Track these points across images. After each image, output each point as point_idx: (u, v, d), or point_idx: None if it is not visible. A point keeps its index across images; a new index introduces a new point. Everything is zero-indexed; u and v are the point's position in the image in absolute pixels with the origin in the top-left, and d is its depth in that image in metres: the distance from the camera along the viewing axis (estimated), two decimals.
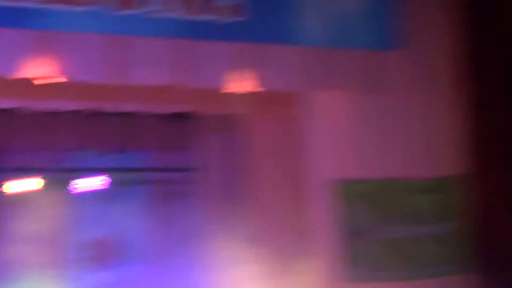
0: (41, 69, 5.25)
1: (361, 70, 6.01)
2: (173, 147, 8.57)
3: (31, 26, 5.17)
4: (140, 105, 6.59)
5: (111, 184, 8.36)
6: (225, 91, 5.83)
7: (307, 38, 5.84)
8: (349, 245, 6.21)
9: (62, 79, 5.40)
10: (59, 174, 8.02)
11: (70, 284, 7.83)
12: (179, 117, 7.49)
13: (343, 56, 5.94)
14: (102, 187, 8.03)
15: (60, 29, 5.29)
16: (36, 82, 5.39)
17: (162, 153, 8.68)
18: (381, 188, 6.33)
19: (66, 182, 8.23)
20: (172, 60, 5.61)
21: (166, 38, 5.58)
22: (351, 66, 5.94)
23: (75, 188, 8.18)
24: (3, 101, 6.22)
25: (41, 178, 7.86)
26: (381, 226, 6.32)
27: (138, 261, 8.40)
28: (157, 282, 8.12)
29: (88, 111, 6.60)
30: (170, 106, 6.72)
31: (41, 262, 8.00)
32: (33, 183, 7.77)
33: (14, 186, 7.75)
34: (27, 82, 5.55)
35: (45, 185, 7.95)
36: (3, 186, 7.87)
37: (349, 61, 5.95)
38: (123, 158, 8.59)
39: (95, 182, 7.98)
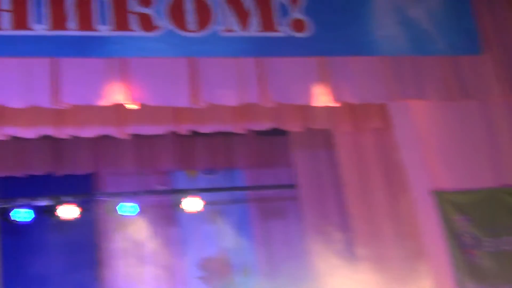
0: (126, 95, 5.41)
1: (446, 76, 5.80)
2: (267, 164, 8.62)
3: (110, 54, 5.34)
4: (231, 125, 6.63)
5: (210, 203, 8.48)
6: (312, 105, 5.78)
7: (385, 47, 5.74)
8: (458, 257, 5.97)
9: (150, 104, 5.54)
10: (158, 196, 8.23)
11: None
12: (271, 134, 7.51)
13: (426, 63, 5.76)
14: (200, 208, 8.11)
15: (142, 55, 5.45)
16: (128, 107, 5.55)
17: (256, 171, 8.76)
18: (483, 198, 6.05)
19: (164, 204, 8.44)
20: (258, 78, 5.63)
21: (245, 57, 5.62)
22: (433, 73, 5.75)
23: (175, 209, 8.36)
24: (97, 129, 6.45)
25: (139, 201, 8.05)
26: (488, 238, 6.03)
27: (244, 277, 8.47)
28: None
29: (182, 133, 6.70)
30: (260, 124, 6.73)
31: (155, 282, 8.23)
32: (133, 207, 7.97)
33: (119, 210, 7.98)
34: (117, 108, 5.75)
35: (144, 207, 8.16)
36: (110, 210, 8.19)
37: (432, 68, 5.76)
38: (220, 178, 8.73)
39: (193, 203, 8.06)
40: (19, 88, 5.24)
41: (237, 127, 6.56)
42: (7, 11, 5.22)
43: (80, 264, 7.90)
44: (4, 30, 5.19)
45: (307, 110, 6.07)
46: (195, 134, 7.05)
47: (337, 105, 5.68)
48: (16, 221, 7.73)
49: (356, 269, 6.71)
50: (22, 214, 7.71)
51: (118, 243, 8.27)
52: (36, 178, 8.19)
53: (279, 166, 8.54)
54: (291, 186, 7.90)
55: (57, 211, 7.76)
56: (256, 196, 8.64)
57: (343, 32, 5.69)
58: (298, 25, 5.68)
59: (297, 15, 5.71)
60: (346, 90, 5.61)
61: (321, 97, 5.61)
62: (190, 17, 5.54)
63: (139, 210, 8.01)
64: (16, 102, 5.36)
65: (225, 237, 8.54)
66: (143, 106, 5.52)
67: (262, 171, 8.75)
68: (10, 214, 7.70)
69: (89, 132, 6.50)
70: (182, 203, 8.05)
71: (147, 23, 5.44)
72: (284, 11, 5.71)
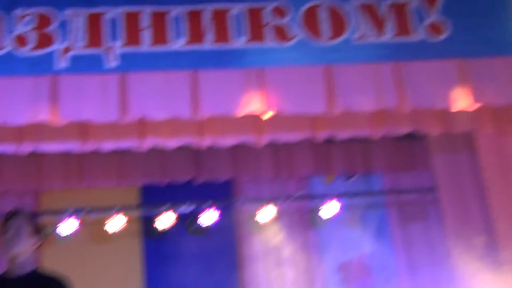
0: (263, 104, 5.48)
1: None
2: (405, 168, 8.47)
3: (247, 64, 5.43)
4: (368, 130, 6.57)
5: (348, 208, 8.44)
6: (449, 109, 5.63)
7: None
8: None
9: (286, 112, 5.59)
10: (295, 201, 8.27)
11: None
12: (409, 138, 7.38)
13: None
14: (337, 212, 8.08)
15: (278, 64, 5.49)
16: (264, 117, 5.64)
17: (394, 175, 8.63)
18: None
19: (302, 209, 8.49)
20: (395, 83, 5.53)
21: (381, 63, 5.55)
22: None
23: (313, 214, 8.39)
24: (235, 137, 6.58)
25: (277, 206, 8.12)
26: None
27: (384, 282, 8.37)
28: None
29: (319, 140, 6.71)
30: (398, 129, 6.62)
31: (294, 285, 8.30)
32: (271, 212, 8.05)
33: (258, 215, 8.09)
34: (255, 117, 5.85)
35: (282, 212, 8.23)
36: (249, 215, 8.33)
37: None
38: (358, 183, 8.68)
39: (331, 208, 8.04)
40: (161, 101, 5.44)
41: (375, 133, 6.48)
42: (148, 28, 5.45)
43: (220, 268, 8.08)
44: (146, 46, 5.43)
45: (446, 114, 5.89)
46: (332, 140, 7.06)
47: (478, 107, 5.48)
48: (159, 228, 8.01)
49: (499, 273, 6.45)
50: (165, 221, 7.98)
51: (257, 247, 8.40)
52: (177, 186, 8.49)
53: (418, 170, 8.37)
54: (431, 190, 7.73)
55: (199, 217, 7.97)
56: (395, 200, 8.51)
57: (483, 33, 5.48)
58: (435, 28, 5.53)
59: (434, 18, 5.57)
60: (488, 92, 5.40)
61: (461, 100, 5.43)
62: (325, 26, 5.54)
63: (277, 215, 8.08)
64: (158, 114, 5.57)
65: (364, 242, 8.47)
66: (280, 114, 5.58)
67: (401, 175, 8.62)
68: (154, 221, 8.00)
69: (227, 141, 6.64)
70: (320, 210, 8.05)
71: (282, 33, 5.49)
72: (420, 15, 5.58)
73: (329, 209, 8.06)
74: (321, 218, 8.13)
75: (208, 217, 7.97)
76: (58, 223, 7.86)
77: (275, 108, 5.48)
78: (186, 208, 8.07)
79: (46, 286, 4.06)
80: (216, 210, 8.00)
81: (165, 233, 8.15)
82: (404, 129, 6.48)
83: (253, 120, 6.06)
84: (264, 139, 6.51)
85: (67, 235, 7.91)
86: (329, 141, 7.66)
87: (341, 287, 8.38)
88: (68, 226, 7.90)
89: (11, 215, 4.17)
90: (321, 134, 6.53)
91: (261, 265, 8.37)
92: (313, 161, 8.49)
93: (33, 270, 4.15)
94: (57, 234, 7.89)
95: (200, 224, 8.00)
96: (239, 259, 8.42)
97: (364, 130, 6.55)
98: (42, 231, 4.31)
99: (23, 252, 4.09)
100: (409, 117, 6.19)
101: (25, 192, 8.45)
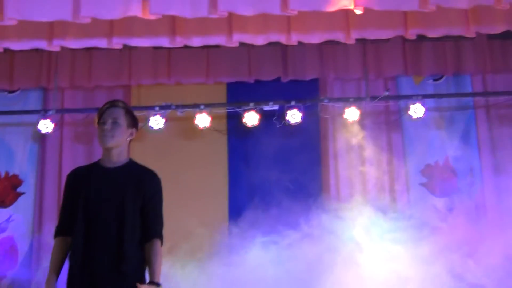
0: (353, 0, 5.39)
1: None
2: (497, 70, 8.22)
3: None
4: (461, 28, 6.37)
5: (435, 110, 8.30)
6: None
7: None
8: None
9: (376, 8, 5.47)
10: (382, 102, 8.18)
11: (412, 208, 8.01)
12: (503, 38, 7.12)
13: None
14: (424, 114, 7.95)
15: None
16: (354, 11, 5.53)
17: (485, 77, 8.39)
18: None
19: (388, 110, 8.40)
20: None
21: None
22: None
23: (399, 115, 8.30)
24: (324, 34, 6.51)
25: (362, 106, 8.05)
26: None
27: (469, 185, 8.30)
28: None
29: (410, 38, 6.55)
30: (492, 27, 6.38)
31: (375, 184, 8.33)
32: (356, 111, 8.01)
33: (346, 115, 8.06)
34: (344, 13, 5.75)
35: (368, 112, 8.17)
36: (334, 114, 8.33)
37: None
38: (447, 84, 8.49)
39: (418, 109, 7.92)
40: None
41: (468, 31, 6.29)
42: None
43: (303, 164, 8.13)
44: None
45: None
46: (423, 38, 6.88)
47: None
48: (245, 124, 8.10)
49: None
50: (251, 118, 8.06)
51: (341, 146, 8.42)
52: (264, 84, 8.52)
53: (509, 72, 8.13)
54: None
55: (284, 115, 8.00)
56: (484, 102, 8.31)
57: None
58: None
59: None
60: None
61: None
62: None
63: (362, 114, 8.03)
64: (247, 9, 5.55)
65: (450, 144, 8.35)
66: (370, 10, 5.46)
67: (491, 77, 8.38)
68: (241, 117, 8.08)
69: (316, 38, 6.58)
70: (409, 109, 7.93)
71: None
72: None
73: (416, 110, 7.93)
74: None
75: (294, 115, 7.99)
76: (147, 118, 8.05)
77: (364, 3, 5.37)
78: (272, 106, 8.10)
79: (140, 176, 4.15)
80: (302, 108, 8.01)
81: (250, 130, 8.25)
82: (498, 28, 6.27)
83: (343, 16, 5.98)
84: (353, 36, 6.43)
85: (156, 130, 8.11)
86: (419, 40, 7.48)
87: (424, 188, 8.34)
88: (156, 122, 8.09)
89: (108, 106, 4.21)
90: (412, 32, 6.39)
91: (343, 163, 8.39)
92: (402, 60, 8.33)
93: (127, 161, 4.27)
94: (147, 128, 8.10)
95: (286, 122, 8.04)
96: (322, 157, 8.46)
97: (456, 28, 6.38)
98: (137, 123, 4.34)
99: (120, 143, 4.20)
100: (505, 15, 5.97)
101: (115, 87, 8.65)
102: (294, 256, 7.27)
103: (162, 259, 4.13)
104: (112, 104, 4.23)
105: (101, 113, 4.21)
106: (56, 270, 4.14)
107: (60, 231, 4.22)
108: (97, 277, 4.00)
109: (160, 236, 4.15)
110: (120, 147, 4.23)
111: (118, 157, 4.22)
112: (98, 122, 4.21)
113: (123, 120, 4.20)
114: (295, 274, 7.16)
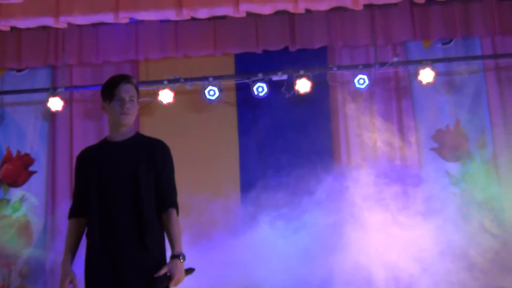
0: None
1: None
2: (505, 32, 8.15)
3: None
4: None
5: (445, 74, 8.25)
6: None
7: None
8: None
9: None
10: (391, 68, 8.12)
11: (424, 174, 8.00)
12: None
13: None
14: (433, 79, 7.90)
15: None
16: None
17: (494, 39, 8.32)
18: None
19: (398, 76, 8.35)
20: None
21: None
22: None
23: (409, 81, 8.26)
24: (331, 0, 6.46)
25: (372, 73, 8.02)
26: None
27: (479, 149, 8.26)
28: None
29: (418, 1, 6.49)
30: None
31: (386, 151, 8.31)
32: (365, 78, 7.97)
33: (354, 82, 8.02)
34: None
35: (377, 79, 8.13)
36: (343, 82, 8.30)
37: None
38: (456, 47, 8.42)
39: (427, 74, 7.87)
40: None
41: None
42: None
43: (313, 133, 8.11)
44: None
45: None
46: (431, 1, 6.82)
47: None
48: (254, 95, 8.09)
49: None
50: (260, 88, 8.04)
51: (350, 113, 8.38)
52: (272, 54, 8.48)
53: None
54: None
55: (293, 84, 7.98)
56: (494, 65, 8.25)
57: None
58: None
59: None
60: None
61: None
62: None
63: (370, 81, 7.99)
64: None
65: (461, 108, 8.30)
66: None
67: (501, 39, 8.29)
68: (250, 88, 8.07)
69: (323, 4, 6.53)
70: (419, 74, 7.88)
71: None
72: None
73: (426, 74, 7.88)
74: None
75: (303, 84, 7.96)
76: (156, 92, 8.04)
77: None
78: (280, 76, 8.07)
79: (150, 147, 4.12)
80: (311, 77, 7.98)
81: (260, 101, 8.24)
82: None
83: None
84: (360, 2, 6.38)
85: (165, 104, 8.11)
86: (428, 4, 7.41)
87: (436, 154, 8.30)
88: (165, 95, 8.08)
89: (124, 82, 4.14)
90: None
91: (353, 130, 8.35)
92: (411, 25, 8.24)
93: (135, 133, 4.23)
94: (156, 103, 8.10)
95: (295, 91, 8.02)
96: (332, 125, 8.42)
97: None
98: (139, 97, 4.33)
99: (133, 120, 4.18)
100: None
101: (123, 62, 8.63)
102: (307, 224, 7.30)
103: (179, 227, 4.09)
104: (127, 80, 4.17)
105: (116, 88, 4.15)
106: (71, 251, 4.14)
107: (74, 212, 4.20)
108: (118, 253, 3.98)
109: (175, 205, 4.12)
110: (131, 123, 4.23)
111: (128, 131, 4.21)
112: (113, 97, 4.18)
113: (136, 97, 4.19)
114: (308, 242, 7.18)
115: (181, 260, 3.95)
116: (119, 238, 3.99)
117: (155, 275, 3.90)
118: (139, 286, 3.93)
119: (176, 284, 3.94)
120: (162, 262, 4.01)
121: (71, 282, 4.05)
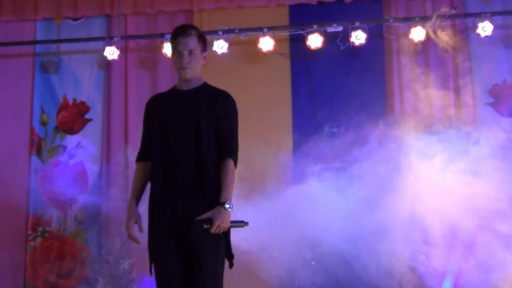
0: None
1: None
2: None
3: None
4: None
5: (503, 27, 8.07)
6: None
7: None
8: None
9: None
10: (449, 20, 7.96)
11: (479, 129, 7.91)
12: None
13: None
14: (492, 32, 7.74)
15: None
16: None
17: None
18: None
19: (455, 29, 8.19)
20: None
21: None
22: None
23: (466, 34, 8.11)
24: None
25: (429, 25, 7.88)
26: None
27: None
28: None
29: None
30: None
31: (441, 106, 8.22)
32: (422, 31, 7.86)
33: (412, 36, 7.92)
34: None
35: (435, 32, 7.98)
36: (399, 35, 8.19)
37: None
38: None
39: (485, 27, 7.71)
40: None
41: None
42: None
43: (367, 86, 8.03)
44: None
45: None
46: None
47: None
48: (309, 47, 8.04)
49: None
50: (314, 40, 7.99)
51: (405, 66, 8.29)
52: (327, 5, 8.39)
53: None
54: None
55: (348, 36, 7.91)
56: None
57: None
58: None
59: None
60: None
61: None
62: None
63: (427, 35, 7.86)
64: None
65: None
66: None
67: None
68: (305, 40, 8.02)
69: None
70: (477, 27, 7.73)
71: None
72: None
73: (484, 28, 7.73)
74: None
75: (358, 36, 7.89)
76: (211, 43, 8.04)
77: None
78: (335, 28, 8.00)
79: (214, 97, 4.16)
80: (366, 29, 7.90)
81: (314, 52, 8.20)
82: None
83: None
84: None
85: (219, 54, 8.13)
86: None
87: (491, 108, 8.18)
88: (220, 46, 8.09)
89: (183, 36, 4.17)
90: None
91: (408, 83, 8.22)
92: None
93: (202, 83, 4.30)
94: (211, 53, 8.13)
95: (350, 43, 7.95)
96: (387, 78, 8.33)
97: None
98: (207, 45, 4.36)
99: (197, 72, 4.23)
100: None
101: (177, 11, 8.65)
102: (359, 174, 7.28)
103: (234, 178, 4.12)
104: (186, 33, 4.20)
105: (174, 42, 4.22)
106: (137, 194, 4.27)
107: (141, 156, 4.34)
108: (179, 199, 4.09)
109: (233, 156, 4.16)
110: (196, 74, 4.28)
111: (194, 81, 4.28)
112: (173, 52, 4.23)
113: (198, 49, 4.22)
114: (361, 192, 7.18)
115: (227, 208, 4.00)
116: (180, 183, 4.09)
117: (196, 218, 3.97)
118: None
119: (218, 231, 3.98)
120: None
121: (136, 222, 4.20)
